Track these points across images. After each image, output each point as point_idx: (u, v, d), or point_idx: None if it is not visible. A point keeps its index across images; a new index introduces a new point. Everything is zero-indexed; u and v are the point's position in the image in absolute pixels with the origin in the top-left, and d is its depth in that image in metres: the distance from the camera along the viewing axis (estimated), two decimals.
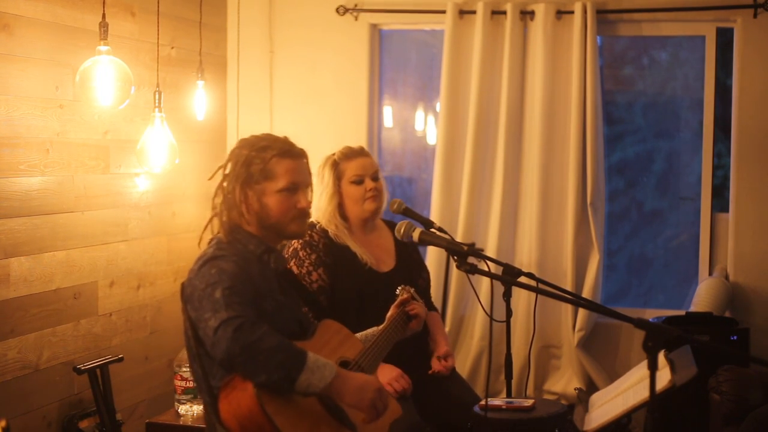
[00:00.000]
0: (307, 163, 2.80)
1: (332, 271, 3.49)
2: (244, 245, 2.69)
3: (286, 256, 3.46)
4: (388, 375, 3.37)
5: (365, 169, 3.60)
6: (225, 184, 2.72)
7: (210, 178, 2.81)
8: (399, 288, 3.19)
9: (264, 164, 2.68)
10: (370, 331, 3.03)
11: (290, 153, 2.73)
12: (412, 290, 3.19)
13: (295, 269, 3.42)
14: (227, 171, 2.73)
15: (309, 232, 3.49)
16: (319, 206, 3.53)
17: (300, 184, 2.73)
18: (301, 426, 2.48)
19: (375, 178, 3.62)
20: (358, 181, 3.57)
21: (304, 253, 3.47)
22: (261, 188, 2.68)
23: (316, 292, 3.43)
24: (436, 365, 3.56)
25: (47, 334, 3.61)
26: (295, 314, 2.74)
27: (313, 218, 3.50)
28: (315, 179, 3.51)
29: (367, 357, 2.82)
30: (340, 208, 3.59)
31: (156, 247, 4.29)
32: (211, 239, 2.75)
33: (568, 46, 4.51)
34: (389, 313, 3.08)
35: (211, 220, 2.76)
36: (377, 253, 3.63)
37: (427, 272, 3.83)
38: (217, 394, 2.54)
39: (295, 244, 3.48)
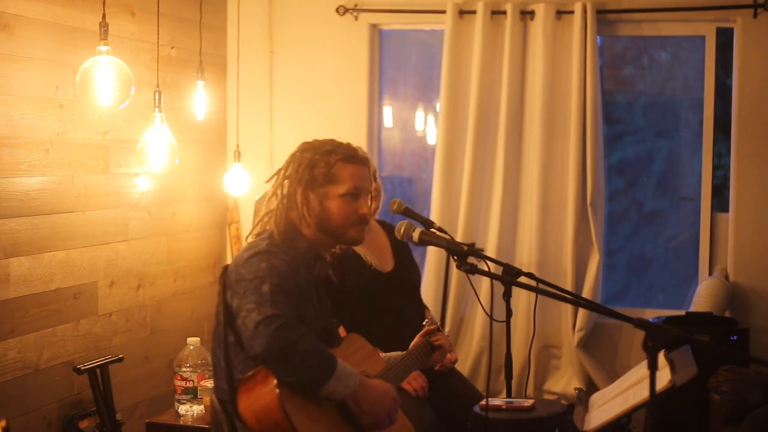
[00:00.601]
0: (370, 169, 2.82)
1: (336, 270, 3.47)
2: (296, 247, 2.68)
3: None
4: None
5: None
6: (285, 184, 2.71)
7: (267, 181, 2.81)
8: (426, 320, 3.22)
9: (328, 168, 2.69)
10: (393, 354, 3.05)
11: (354, 158, 2.74)
12: (437, 325, 3.22)
13: None
14: (288, 173, 2.73)
15: None
16: None
17: (362, 190, 2.74)
18: (316, 428, 2.49)
19: (375, 179, 3.62)
20: None
21: None
22: (324, 192, 2.69)
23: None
24: (444, 363, 3.57)
25: (47, 334, 3.61)
26: (326, 324, 2.75)
27: None
28: None
29: (388, 377, 2.84)
30: None
31: (156, 247, 4.29)
32: (262, 233, 2.73)
33: (568, 46, 4.51)
34: (415, 341, 3.10)
35: (263, 217, 2.75)
36: (377, 254, 3.63)
37: (419, 272, 3.87)
38: (238, 386, 2.54)
39: None
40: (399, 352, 3.06)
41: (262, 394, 2.47)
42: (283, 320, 2.43)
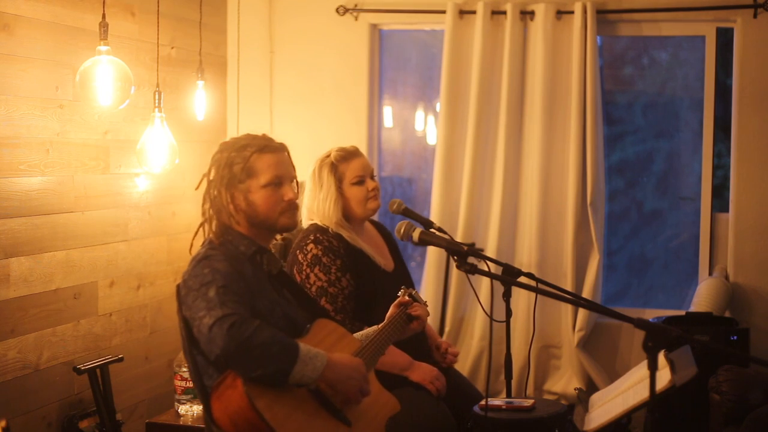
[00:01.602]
0: (289, 156, 2.80)
1: (354, 274, 3.46)
2: (236, 246, 2.70)
3: (305, 263, 3.39)
4: (429, 374, 3.39)
5: (365, 170, 3.59)
6: (211, 189, 2.73)
7: (197, 188, 2.82)
8: (401, 290, 3.19)
9: (245, 162, 2.69)
10: (369, 329, 3.03)
11: (269, 147, 2.74)
12: (413, 291, 3.19)
13: (322, 276, 3.37)
14: (211, 177, 2.74)
15: (325, 237, 3.43)
16: (324, 211, 3.50)
17: (284, 177, 2.74)
18: (294, 420, 2.49)
19: (373, 177, 3.63)
20: (360, 182, 3.56)
21: (328, 259, 3.39)
22: (245, 186, 2.70)
23: (347, 297, 3.38)
24: (448, 359, 3.56)
25: (47, 334, 3.61)
26: (288, 313, 2.75)
27: (318, 221, 3.49)
28: (311, 181, 3.52)
29: (364, 354, 2.82)
30: (343, 211, 3.57)
31: (156, 247, 4.29)
32: (204, 241, 2.76)
33: (568, 46, 4.51)
34: (389, 312, 3.08)
35: (201, 225, 2.77)
36: (380, 253, 3.63)
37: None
38: (210, 394, 2.55)
39: (315, 250, 3.40)
40: (374, 327, 3.02)
41: (232, 398, 2.46)
42: (235, 318, 2.44)
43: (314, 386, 2.54)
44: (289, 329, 2.68)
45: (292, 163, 2.81)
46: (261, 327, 2.45)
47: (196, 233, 2.79)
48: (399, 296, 3.14)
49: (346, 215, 3.54)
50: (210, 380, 2.59)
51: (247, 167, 2.69)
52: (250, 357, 2.42)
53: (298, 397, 2.54)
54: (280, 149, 2.77)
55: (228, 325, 2.42)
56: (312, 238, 3.43)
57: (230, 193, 2.70)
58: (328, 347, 2.69)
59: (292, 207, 2.75)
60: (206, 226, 2.75)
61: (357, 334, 2.97)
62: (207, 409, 2.58)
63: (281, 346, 2.45)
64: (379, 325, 3.01)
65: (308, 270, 3.39)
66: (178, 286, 2.66)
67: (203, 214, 2.76)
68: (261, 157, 2.71)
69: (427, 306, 3.15)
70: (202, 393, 2.61)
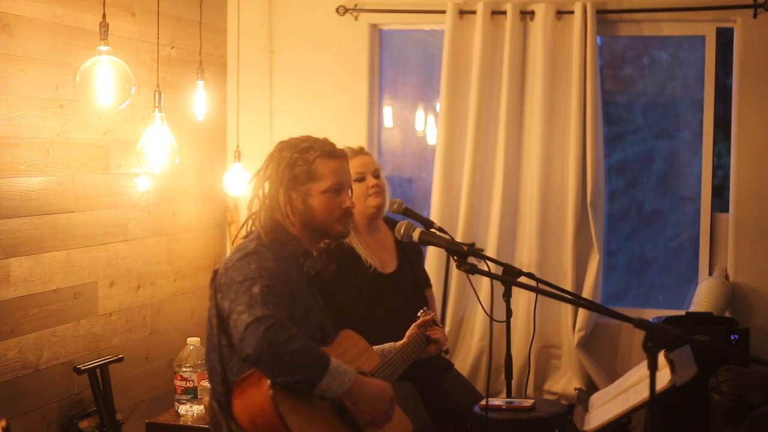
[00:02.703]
0: (348, 164, 2.83)
1: (338, 270, 3.45)
2: (284, 246, 2.69)
3: None
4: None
5: (366, 167, 3.60)
6: (266, 185, 2.72)
7: (249, 183, 2.82)
8: (421, 311, 3.20)
9: (308, 165, 2.70)
10: (387, 346, 3.04)
11: (333, 154, 2.76)
12: (433, 314, 3.20)
13: None
14: (268, 173, 2.74)
15: None
16: None
17: (344, 184, 2.76)
18: (312, 428, 2.49)
19: (376, 176, 3.63)
20: (360, 179, 3.57)
21: None
22: (306, 189, 2.71)
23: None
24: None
25: (47, 334, 3.61)
26: (320, 320, 2.75)
27: None
28: None
29: (384, 372, 2.83)
30: None
31: (156, 247, 4.29)
32: (249, 233, 2.74)
33: (568, 46, 4.51)
34: (409, 332, 3.09)
35: (247, 220, 2.76)
36: (381, 255, 3.63)
37: (425, 272, 3.84)
38: (232, 388, 2.54)
39: None
40: (392, 343, 3.03)
41: (256, 396, 2.46)
42: (273, 321, 2.43)
43: (337, 400, 2.54)
44: (318, 336, 2.69)
45: (350, 171, 2.83)
46: (296, 335, 2.44)
47: (242, 226, 2.77)
48: (419, 317, 3.15)
49: None
50: (232, 374, 2.57)
51: (310, 170, 2.70)
52: (280, 363, 2.42)
53: (321, 408, 2.55)
54: (342, 156, 2.79)
55: (265, 327, 2.42)
56: None
57: (288, 194, 2.70)
58: (351, 358, 2.70)
59: (348, 215, 2.77)
60: (254, 221, 2.74)
61: (375, 348, 2.97)
62: (226, 402, 2.55)
63: (312, 357, 2.45)
64: (398, 343, 3.01)
65: None
66: (216, 272, 2.64)
67: (250, 208, 2.75)
68: (324, 162, 2.72)
69: (443, 330, 3.17)
70: (223, 386, 2.58)
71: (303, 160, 2.70)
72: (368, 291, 3.49)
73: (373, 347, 2.96)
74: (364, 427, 2.64)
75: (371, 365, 2.83)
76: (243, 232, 2.78)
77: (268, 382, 2.45)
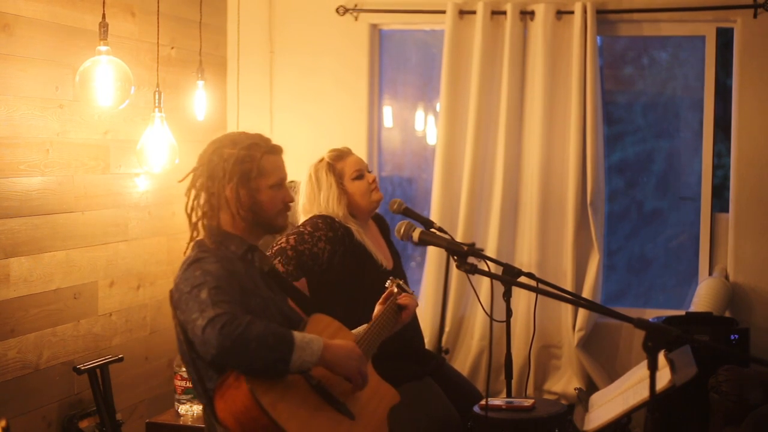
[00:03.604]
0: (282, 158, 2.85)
1: (340, 263, 3.45)
2: (226, 246, 2.70)
3: (301, 225, 3.43)
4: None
5: (361, 164, 3.62)
6: (208, 185, 2.71)
7: (181, 181, 2.80)
8: (388, 281, 3.17)
9: (257, 161, 2.71)
10: (360, 328, 3.03)
11: (275, 149, 2.79)
12: (401, 282, 3.18)
13: (308, 228, 3.39)
14: (210, 172, 2.71)
15: (330, 219, 3.45)
16: (328, 209, 3.50)
17: (284, 179, 2.80)
18: (299, 416, 2.49)
19: (369, 171, 3.65)
20: (360, 176, 3.57)
21: (322, 224, 3.42)
22: (255, 185, 2.71)
23: (310, 256, 3.36)
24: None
25: (47, 334, 3.61)
26: (282, 309, 2.76)
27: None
28: (307, 187, 3.53)
29: (361, 347, 2.82)
30: (348, 208, 3.57)
31: (156, 247, 4.29)
32: (192, 243, 2.75)
33: (568, 46, 4.51)
34: (376, 310, 3.07)
35: (196, 224, 2.73)
36: (380, 251, 3.63)
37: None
38: (213, 396, 2.55)
39: (318, 220, 3.44)
40: (364, 325, 3.00)
41: (236, 396, 2.47)
42: (227, 317, 2.44)
43: (314, 374, 2.54)
44: (284, 325, 2.69)
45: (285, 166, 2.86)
46: (252, 321, 2.45)
47: (192, 232, 2.75)
48: (387, 287, 3.13)
49: (352, 212, 3.54)
50: (211, 382, 2.58)
51: (260, 166, 2.71)
52: (247, 351, 2.42)
53: (302, 394, 2.55)
54: (281, 151, 2.82)
55: (220, 324, 2.42)
56: (318, 215, 3.45)
57: (236, 190, 2.70)
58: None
59: (288, 209, 2.80)
60: (198, 226, 2.73)
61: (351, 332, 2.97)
62: (211, 411, 2.57)
63: (276, 337, 2.46)
64: (370, 323, 3.01)
65: (301, 226, 3.41)
66: (171, 292, 2.65)
67: (192, 210, 2.73)
68: (269, 158, 2.74)
69: (414, 295, 3.15)
70: (205, 396, 2.61)
71: (250, 157, 2.71)
72: (378, 287, 3.48)
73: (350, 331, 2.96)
74: (350, 405, 2.64)
75: None
76: (192, 242, 2.77)
77: (245, 379, 2.45)
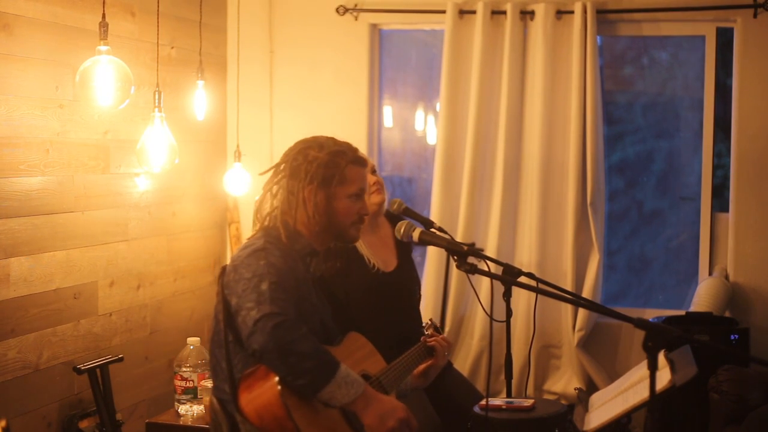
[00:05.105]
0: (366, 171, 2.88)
1: (326, 261, 3.45)
2: (293, 244, 2.71)
3: None
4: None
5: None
6: (287, 182, 2.73)
7: (262, 173, 2.84)
8: (428, 320, 3.23)
9: (340, 169, 2.73)
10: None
11: (360, 160, 2.81)
12: (436, 323, 3.24)
13: None
14: (292, 170, 2.74)
15: None
16: None
17: (364, 191, 2.82)
18: (317, 426, 2.49)
19: (374, 173, 3.63)
20: None
21: None
22: (334, 191, 2.73)
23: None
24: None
25: (47, 334, 3.61)
26: (324, 320, 2.76)
27: None
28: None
29: (389, 376, 2.84)
30: None
31: (156, 247, 4.29)
32: (258, 230, 2.75)
33: (568, 46, 4.51)
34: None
35: (265, 216, 2.75)
36: (383, 254, 3.62)
37: (418, 276, 3.81)
38: (238, 383, 2.54)
39: None
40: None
41: (263, 390, 2.47)
42: (282, 318, 2.44)
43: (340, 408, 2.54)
44: (322, 336, 2.69)
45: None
46: (305, 336, 2.45)
47: (262, 220, 2.76)
48: (424, 326, 3.18)
49: None
50: (237, 370, 2.57)
51: (342, 174, 2.73)
52: (285, 362, 2.43)
53: (328, 407, 2.55)
54: (366, 164, 2.86)
55: (273, 324, 2.43)
56: None
57: (315, 192, 2.72)
58: (357, 361, 2.71)
59: (362, 221, 2.83)
60: (271, 217, 2.74)
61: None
62: (233, 396, 2.55)
63: (319, 362, 2.46)
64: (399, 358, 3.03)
65: None
66: (224, 268, 2.65)
67: (264, 204, 2.75)
68: (354, 168, 2.77)
69: (446, 341, 3.18)
70: (230, 380, 2.58)
71: (335, 163, 2.73)
72: (372, 290, 3.49)
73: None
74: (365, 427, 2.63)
75: (376, 369, 2.84)
76: (257, 227, 2.78)
77: (276, 376, 2.45)
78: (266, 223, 2.75)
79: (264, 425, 2.47)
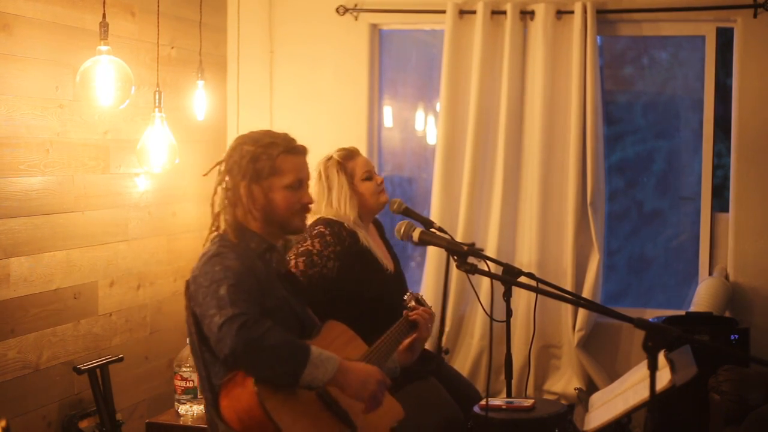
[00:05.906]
0: (306, 159, 2.84)
1: (347, 271, 3.44)
2: (246, 243, 2.71)
3: (308, 233, 3.39)
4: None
5: (370, 165, 3.63)
6: (227, 180, 2.73)
7: (205, 174, 2.84)
8: (407, 294, 3.19)
9: (272, 160, 2.71)
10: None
11: (295, 149, 2.78)
12: (420, 296, 3.20)
13: (317, 246, 3.37)
14: (228, 168, 2.75)
15: (337, 226, 3.43)
16: (340, 210, 3.49)
17: (304, 180, 2.79)
18: (301, 423, 2.50)
19: (376, 173, 3.65)
20: (369, 177, 3.58)
21: (332, 239, 3.39)
22: (268, 184, 2.72)
23: (319, 278, 3.34)
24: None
25: (47, 334, 3.61)
26: (296, 311, 2.76)
27: (333, 218, 3.48)
28: (316, 185, 3.52)
29: (371, 357, 2.83)
30: (358, 208, 3.56)
31: (156, 247, 4.29)
32: (213, 236, 2.76)
33: (568, 46, 4.51)
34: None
35: (216, 217, 2.76)
36: (384, 254, 3.63)
37: None
38: (218, 391, 2.55)
39: (323, 229, 3.40)
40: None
41: (241, 395, 2.48)
42: (246, 318, 2.45)
43: (323, 387, 2.54)
44: (297, 328, 2.70)
45: (308, 167, 2.85)
46: (272, 329, 2.46)
47: (213, 224, 2.78)
48: (405, 300, 3.15)
49: (359, 213, 3.54)
50: (217, 378, 2.59)
51: (274, 165, 2.71)
52: (259, 358, 2.43)
53: (306, 400, 2.55)
54: (303, 152, 2.81)
55: (238, 325, 2.43)
56: (323, 221, 3.43)
57: (250, 188, 2.71)
58: (338, 348, 2.70)
59: (306, 210, 2.80)
60: (218, 219, 2.75)
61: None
62: (214, 407, 2.57)
63: (291, 349, 2.46)
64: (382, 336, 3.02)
65: (309, 239, 3.37)
66: (187, 282, 2.66)
67: (213, 204, 2.76)
68: (287, 157, 2.74)
69: (430, 310, 3.15)
70: (210, 391, 2.61)
71: (266, 155, 2.71)
72: (390, 290, 3.48)
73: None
74: (354, 416, 2.64)
75: (358, 353, 2.83)
76: (212, 234, 2.78)
77: (253, 380, 2.46)
78: (215, 227, 2.76)
79: (246, 430, 2.47)
